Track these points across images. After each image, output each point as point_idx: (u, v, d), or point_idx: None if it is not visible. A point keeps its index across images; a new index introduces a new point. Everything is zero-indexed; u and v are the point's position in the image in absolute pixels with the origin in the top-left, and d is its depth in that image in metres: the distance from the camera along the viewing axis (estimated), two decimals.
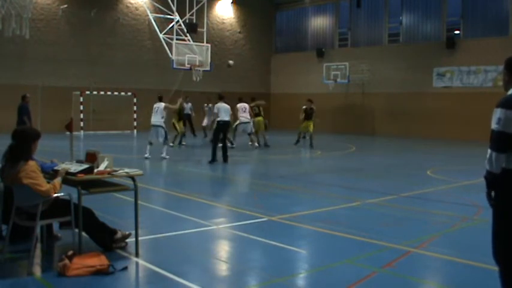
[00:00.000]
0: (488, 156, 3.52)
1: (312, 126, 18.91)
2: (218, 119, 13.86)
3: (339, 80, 27.77)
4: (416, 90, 25.79)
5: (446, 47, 24.83)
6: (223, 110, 13.84)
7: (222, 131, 13.97)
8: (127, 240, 5.49)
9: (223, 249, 5.99)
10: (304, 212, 7.78)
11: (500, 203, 3.59)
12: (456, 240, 6.34)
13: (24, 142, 4.92)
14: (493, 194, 3.64)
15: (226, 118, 13.86)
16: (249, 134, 17.99)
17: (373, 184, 10.83)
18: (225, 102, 14.16)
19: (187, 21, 24.66)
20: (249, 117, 17.51)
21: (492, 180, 3.57)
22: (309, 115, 18.98)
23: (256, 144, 18.30)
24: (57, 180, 4.96)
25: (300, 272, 5.09)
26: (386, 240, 6.04)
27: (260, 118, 18.49)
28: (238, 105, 17.55)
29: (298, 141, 19.64)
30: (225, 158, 13.72)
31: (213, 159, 13.54)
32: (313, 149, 18.25)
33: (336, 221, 7.06)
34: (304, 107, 19.19)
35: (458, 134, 23.77)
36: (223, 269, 5.21)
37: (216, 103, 14.35)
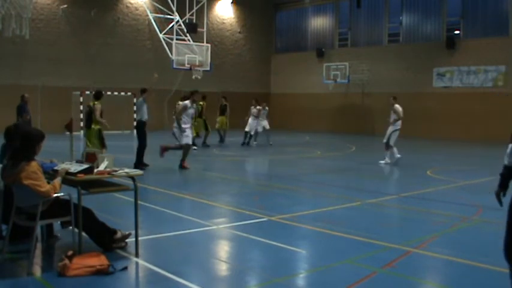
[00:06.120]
0: (508, 150, 3.53)
1: (226, 121, 19.90)
2: None
3: (338, 80, 27.76)
4: (416, 90, 25.76)
5: (446, 47, 24.81)
6: None
7: None
8: (127, 240, 5.48)
9: (223, 249, 5.98)
10: (304, 212, 7.78)
11: None
12: (456, 240, 6.33)
13: (28, 143, 4.90)
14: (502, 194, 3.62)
15: None
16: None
17: (373, 184, 10.83)
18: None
19: (187, 21, 24.64)
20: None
21: (508, 176, 3.55)
22: (222, 111, 19.96)
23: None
24: (57, 181, 4.96)
25: (300, 272, 5.09)
26: (386, 240, 6.04)
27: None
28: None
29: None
30: None
31: None
32: (223, 143, 19.37)
33: (336, 221, 7.06)
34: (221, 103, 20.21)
35: (458, 134, 23.75)
36: (223, 269, 5.21)
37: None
